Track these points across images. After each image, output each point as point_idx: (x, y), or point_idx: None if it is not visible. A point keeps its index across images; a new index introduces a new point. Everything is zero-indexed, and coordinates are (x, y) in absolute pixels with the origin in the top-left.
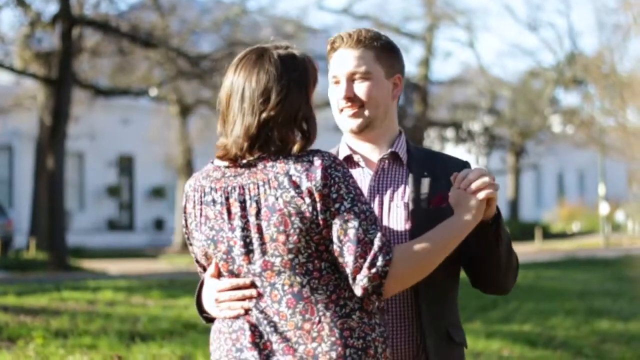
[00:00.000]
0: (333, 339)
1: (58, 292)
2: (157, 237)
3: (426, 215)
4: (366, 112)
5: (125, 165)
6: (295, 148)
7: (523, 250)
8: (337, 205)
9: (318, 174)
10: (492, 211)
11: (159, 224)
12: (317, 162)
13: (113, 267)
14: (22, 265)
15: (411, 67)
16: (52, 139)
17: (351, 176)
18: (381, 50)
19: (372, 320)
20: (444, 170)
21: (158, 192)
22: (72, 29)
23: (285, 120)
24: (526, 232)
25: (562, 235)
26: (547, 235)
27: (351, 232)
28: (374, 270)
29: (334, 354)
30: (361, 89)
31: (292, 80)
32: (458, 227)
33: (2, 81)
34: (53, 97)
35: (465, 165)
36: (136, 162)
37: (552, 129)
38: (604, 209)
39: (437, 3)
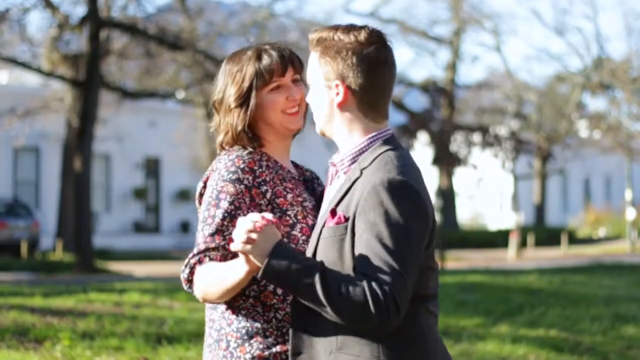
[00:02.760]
0: (205, 327)
1: (85, 294)
2: (183, 239)
3: (319, 232)
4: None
5: (152, 167)
6: (218, 140)
7: (549, 255)
8: (201, 206)
9: (207, 176)
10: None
11: (185, 227)
12: (217, 164)
13: (139, 269)
14: (49, 267)
15: (438, 71)
16: (79, 141)
17: (227, 180)
18: (321, 55)
19: (233, 314)
20: (354, 187)
21: (184, 195)
22: (99, 31)
23: (224, 110)
24: (552, 237)
25: (588, 241)
26: (573, 240)
27: (197, 233)
28: (181, 275)
29: (205, 342)
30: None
31: (230, 75)
32: (234, 269)
33: (30, 83)
34: (80, 99)
35: (374, 188)
36: (163, 165)
37: (579, 133)
38: (630, 214)
39: (464, 7)
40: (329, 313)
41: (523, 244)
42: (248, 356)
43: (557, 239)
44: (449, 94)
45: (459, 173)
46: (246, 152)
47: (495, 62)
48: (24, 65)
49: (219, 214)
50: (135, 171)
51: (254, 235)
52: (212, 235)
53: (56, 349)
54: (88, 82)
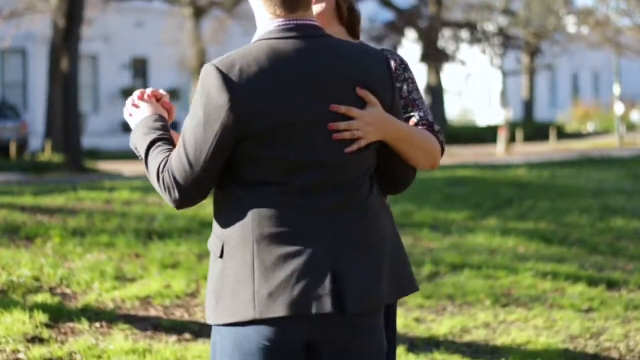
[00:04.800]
0: None
1: (75, 192)
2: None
3: None
4: None
5: (140, 67)
6: None
7: (538, 150)
8: None
9: None
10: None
11: (173, 127)
12: None
13: (128, 168)
14: (38, 168)
15: None
16: (66, 42)
17: None
18: None
19: None
20: None
21: (172, 94)
22: None
23: None
24: (541, 133)
25: (577, 136)
26: (562, 135)
27: None
28: None
29: None
30: None
31: None
32: None
33: None
34: None
35: None
36: (150, 65)
37: (567, 29)
38: (619, 109)
39: None
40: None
41: (512, 139)
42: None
43: (545, 134)
44: None
45: (448, 70)
46: None
47: None
48: None
49: None
50: (123, 71)
51: (131, 109)
52: None
53: (47, 247)
54: None
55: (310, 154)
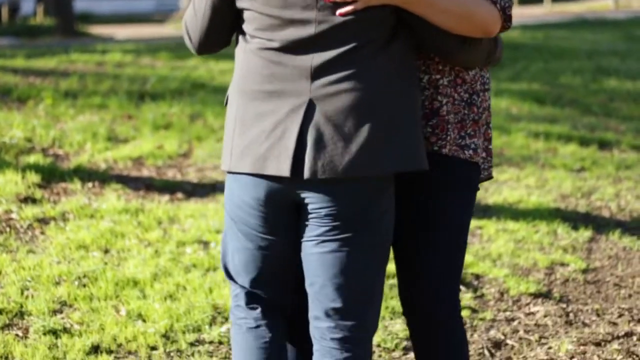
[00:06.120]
0: None
1: (67, 55)
2: (164, 1)
3: None
4: None
5: None
6: None
7: (532, 13)
8: None
9: None
10: None
11: None
12: None
13: (120, 32)
14: (30, 31)
15: None
16: None
17: None
18: None
19: None
20: None
21: None
22: None
23: None
24: None
25: None
26: None
27: None
28: None
29: None
30: None
31: None
32: None
33: None
34: None
35: None
36: None
37: None
38: None
39: None
40: None
41: None
42: None
43: None
44: None
45: None
46: None
47: None
48: None
49: None
50: None
51: None
52: None
53: (39, 108)
54: None
55: (297, 11)
